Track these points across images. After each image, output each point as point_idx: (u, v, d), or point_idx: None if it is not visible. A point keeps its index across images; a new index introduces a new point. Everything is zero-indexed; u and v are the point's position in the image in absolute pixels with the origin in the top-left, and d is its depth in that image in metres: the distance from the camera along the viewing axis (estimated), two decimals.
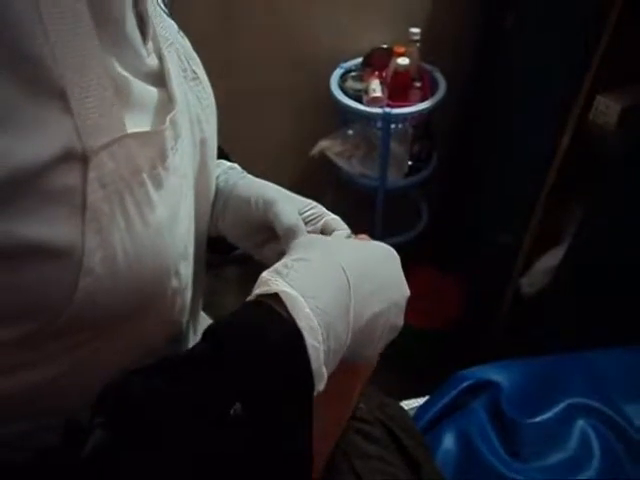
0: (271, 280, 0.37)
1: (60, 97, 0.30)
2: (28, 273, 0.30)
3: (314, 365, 0.35)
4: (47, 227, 0.30)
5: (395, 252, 0.47)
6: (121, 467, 0.31)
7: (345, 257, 0.41)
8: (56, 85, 0.30)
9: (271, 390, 0.33)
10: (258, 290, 0.37)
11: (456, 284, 1.62)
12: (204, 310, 0.63)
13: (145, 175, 0.36)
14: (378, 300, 0.41)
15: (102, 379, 0.39)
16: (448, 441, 0.66)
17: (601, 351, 0.75)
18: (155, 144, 0.37)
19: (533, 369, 0.74)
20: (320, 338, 0.35)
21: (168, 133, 0.39)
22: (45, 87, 0.29)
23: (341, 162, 1.50)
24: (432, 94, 1.40)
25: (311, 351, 0.35)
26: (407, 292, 0.45)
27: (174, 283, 0.41)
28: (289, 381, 0.34)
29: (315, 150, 1.49)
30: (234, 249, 0.62)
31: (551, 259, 1.31)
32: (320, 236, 0.49)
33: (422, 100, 1.38)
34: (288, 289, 0.36)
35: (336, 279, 0.39)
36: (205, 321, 0.65)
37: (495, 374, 0.73)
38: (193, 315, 0.53)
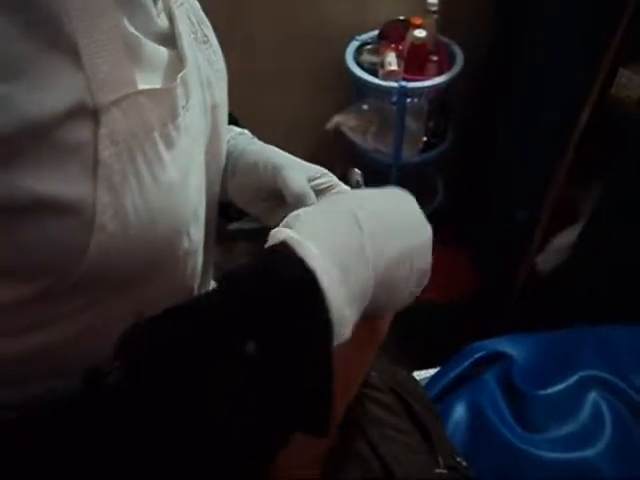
0: (279, 231, 0.37)
1: (72, 52, 0.30)
2: (41, 228, 0.30)
3: (333, 304, 0.34)
4: (59, 182, 0.30)
5: (410, 195, 0.45)
6: (138, 404, 0.31)
7: (355, 203, 0.39)
8: (69, 41, 0.30)
9: (286, 329, 0.33)
10: (268, 243, 0.37)
11: (471, 260, 1.62)
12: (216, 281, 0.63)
13: (156, 134, 0.36)
14: (396, 244, 0.39)
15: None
16: (459, 411, 0.67)
17: (615, 326, 0.75)
18: (166, 102, 0.37)
19: (545, 342, 0.74)
20: (335, 278, 0.34)
21: (179, 91, 0.38)
22: (58, 42, 0.29)
23: (356, 137, 1.49)
24: (449, 68, 1.37)
25: (327, 290, 0.33)
26: (428, 233, 0.43)
27: (185, 244, 0.41)
28: (305, 321, 0.33)
29: (330, 124, 1.48)
30: (243, 215, 0.62)
31: (568, 236, 1.29)
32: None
33: (439, 74, 1.36)
34: (294, 235, 0.35)
35: (346, 224, 0.37)
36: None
37: (507, 346, 0.73)
38: (204, 282, 0.53)
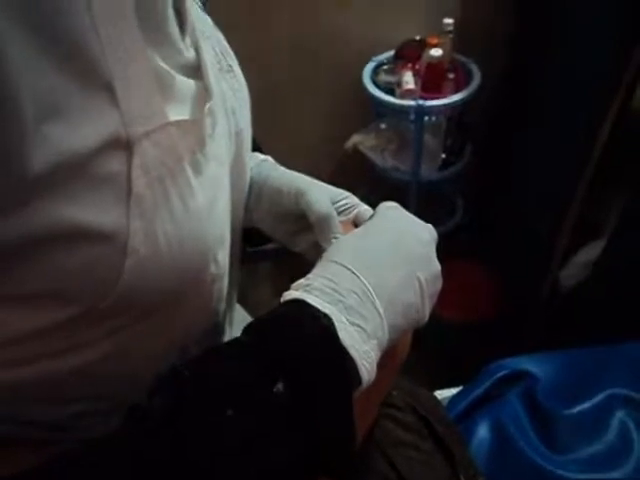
0: (289, 293, 0.40)
1: (107, 88, 0.31)
2: (77, 255, 0.32)
3: (347, 343, 0.36)
4: (95, 210, 0.32)
5: (400, 209, 0.48)
6: (177, 440, 0.32)
7: (349, 253, 0.42)
8: (104, 77, 0.31)
9: (310, 372, 0.35)
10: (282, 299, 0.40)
11: (492, 277, 1.60)
12: (238, 303, 0.64)
13: (186, 162, 0.37)
14: (398, 273, 0.42)
15: (145, 365, 0.41)
16: (482, 430, 0.66)
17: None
18: (195, 132, 0.39)
19: (570, 360, 0.73)
20: (344, 321, 0.37)
21: (206, 121, 0.40)
22: (94, 79, 0.31)
23: (374, 156, 1.50)
24: (466, 85, 1.38)
25: (340, 332, 0.36)
26: (428, 243, 0.46)
27: (213, 269, 0.42)
28: (326, 366, 0.36)
29: (348, 144, 1.50)
30: (267, 241, 0.63)
31: (591, 252, 1.27)
32: (341, 240, 0.49)
33: (456, 92, 1.37)
34: (304, 293, 0.39)
35: (349, 276, 0.40)
36: (240, 313, 0.66)
37: (531, 365, 0.72)
38: (229, 305, 0.54)
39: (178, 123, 0.36)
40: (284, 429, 0.34)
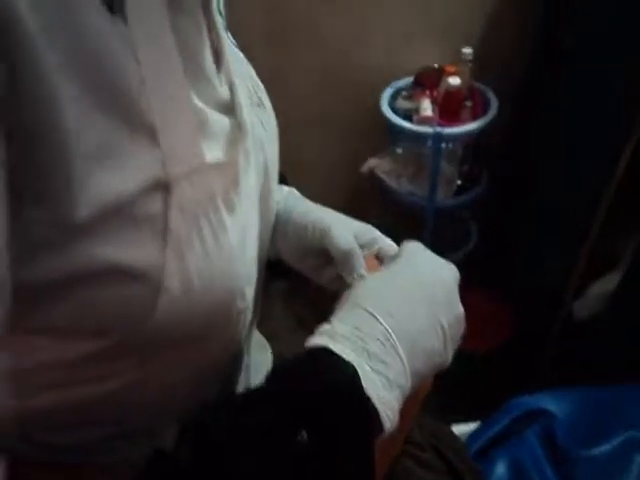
0: (311, 338, 0.40)
1: (150, 132, 0.32)
2: (113, 292, 0.32)
3: (370, 392, 0.37)
4: (132, 250, 0.32)
5: (422, 248, 0.48)
6: None
7: (369, 299, 0.43)
8: (147, 122, 0.32)
9: (333, 421, 0.35)
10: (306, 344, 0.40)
11: (506, 306, 1.59)
12: None
13: (220, 200, 0.38)
14: (419, 319, 0.42)
15: (170, 393, 0.41)
16: (500, 469, 0.65)
17: None
18: (230, 172, 0.39)
19: (589, 398, 0.72)
20: (367, 369, 0.37)
21: (240, 162, 0.41)
22: (138, 124, 0.32)
23: (390, 180, 1.51)
24: (483, 113, 1.39)
25: (363, 380, 0.37)
26: (459, 310, 0.45)
27: (240, 304, 0.43)
28: (350, 416, 0.36)
29: (365, 168, 1.51)
30: (290, 272, 0.64)
31: (607, 283, 1.27)
32: (365, 282, 0.48)
33: (473, 119, 1.37)
34: (326, 339, 0.39)
35: (367, 321, 0.41)
36: (254, 334, 0.67)
37: (549, 402, 0.71)
38: (249, 332, 0.55)
39: (215, 164, 0.37)
40: (308, 468, 0.34)
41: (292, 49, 1.41)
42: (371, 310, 0.42)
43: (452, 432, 0.63)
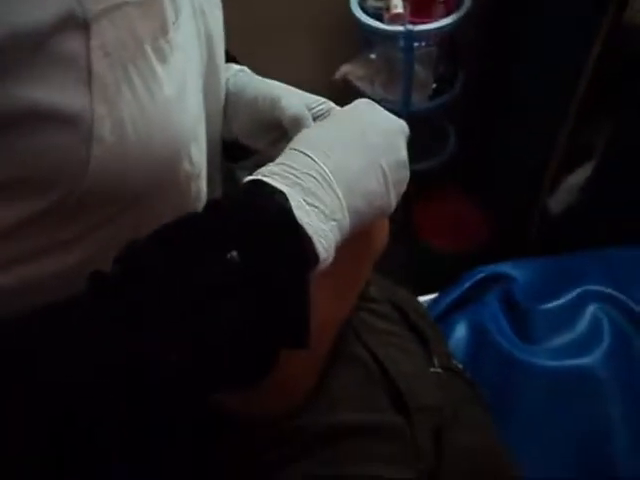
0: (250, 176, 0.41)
1: None
2: (40, 139, 0.32)
3: (304, 220, 0.37)
4: (56, 92, 0.32)
5: (373, 105, 0.49)
6: (135, 301, 0.34)
7: (316, 147, 0.43)
8: None
9: (263, 243, 0.36)
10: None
11: (484, 207, 1.61)
12: None
13: (148, 47, 0.37)
14: (358, 161, 0.43)
15: None
16: (460, 329, 0.68)
17: (617, 247, 0.75)
18: (154, 14, 0.38)
19: (549, 264, 0.74)
20: (300, 200, 0.38)
21: (167, 5, 0.39)
22: None
23: (364, 86, 1.48)
24: (456, 9, 1.34)
25: (295, 210, 0.37)
26: (401, 156, 0.46)
27: (186, 166, 0.43)
28: (280, 238, 0.37)
29: (337, 75, 1.47)
30: (249, 154, 0.64)
31: (579, 176, 1.27)
32: (304, 130, 0.48)
33: (446, 16, 1.33)
34: (260, 175, 0.40)
35: (312, 169, 0.41)
36: None
37: (510, 269, 0.73)
38: None
39: (136, 3, 0.36)
40: (236, 285, 0.35)
41: None
42: (306, 151, 0.42)
43: (409, 292, 0.65)
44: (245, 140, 0.59)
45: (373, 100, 1.58)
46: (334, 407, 0.48)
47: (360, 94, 1.48)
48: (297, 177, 0.40)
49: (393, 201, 0.45)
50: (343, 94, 1.53)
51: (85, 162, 0.34)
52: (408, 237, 1.52)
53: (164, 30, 0.39)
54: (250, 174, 0.55)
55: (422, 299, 0.79)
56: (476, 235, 1.57)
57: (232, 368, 0.38)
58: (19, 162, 0.32)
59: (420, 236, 1.54)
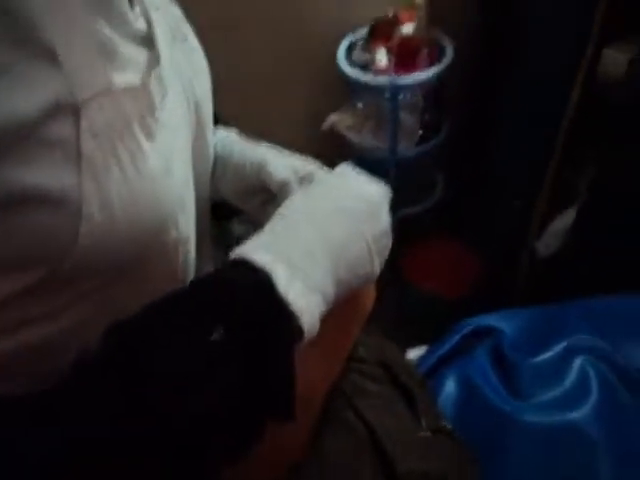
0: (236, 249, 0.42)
1: (49, 54, 0.33)
2: (30, 220, 0.33)
3: (289, 296, 0.38)
4: (46, 174, 0.33)
5: (351, 171, 0.51)
6: (120, 377, 0.34)
7: (301, 216, 0.44)
8: (44, 43, 0.32)
9: (246, 319, 0.37)
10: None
11: (472, 252, 1.62)
12: None
13: (135, 125, 0.38)
14: (339, 232, 0.44)
15: None
16: (449, 385, 0.68)
17: (603, 296, 0.76)
18: (143, 96, 0.40)
19: (536, 315, 0.75)
20: (284, 274, 0.39)
21: (153, 87, 0.41)
22: (34, 45, 0.32)
23: (352, 135, 1.51)
24: (439, 60, 1.39)
25: (280, 284, 0.38)
26: (384, 224, 0.47)
27: (173, 234, 0.43)
28: (263, 315, 0.38)
29: (326, 124, 1.51)
30: (236, 213, 0.65)
31: (565, 220, 1.30)
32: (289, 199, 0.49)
33: (430, 67, 1.37)
34: (244, 250, 0.41)
35: (297, 239, 0.42)
36: None
37: (498, 321, 0.74)
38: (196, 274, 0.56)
39: (124, 88, 0.38)
40: (221, 361, 0.35)
41: (244, 5, 1.39)
42: (290, 221, 0.43)
43: (396, 347, 0.65)
44: (233, 201, 0.60)
45: (361, 148, 1.61)
46: (324, 476, 0.48)
47: (347, 143, 1.52)
48: (281, 250, 0.40)
49: (377, 268, 0.46)
50: (331, 143, 1.57)
51: (73, 239, 0.34)
52: (397, 281, 1.53)
53: (151, 109, 0.40)
54: (246, 229, 0.56)
55: (411, 354, 0.79)
56: (465, 278, 1.58)
57: (218, 443, 0.38)
58: (7, 241, 0.33)
59: (410, 280, 1.55)
